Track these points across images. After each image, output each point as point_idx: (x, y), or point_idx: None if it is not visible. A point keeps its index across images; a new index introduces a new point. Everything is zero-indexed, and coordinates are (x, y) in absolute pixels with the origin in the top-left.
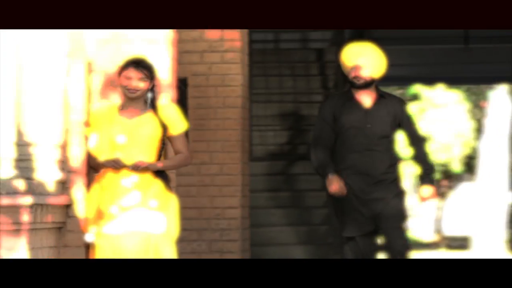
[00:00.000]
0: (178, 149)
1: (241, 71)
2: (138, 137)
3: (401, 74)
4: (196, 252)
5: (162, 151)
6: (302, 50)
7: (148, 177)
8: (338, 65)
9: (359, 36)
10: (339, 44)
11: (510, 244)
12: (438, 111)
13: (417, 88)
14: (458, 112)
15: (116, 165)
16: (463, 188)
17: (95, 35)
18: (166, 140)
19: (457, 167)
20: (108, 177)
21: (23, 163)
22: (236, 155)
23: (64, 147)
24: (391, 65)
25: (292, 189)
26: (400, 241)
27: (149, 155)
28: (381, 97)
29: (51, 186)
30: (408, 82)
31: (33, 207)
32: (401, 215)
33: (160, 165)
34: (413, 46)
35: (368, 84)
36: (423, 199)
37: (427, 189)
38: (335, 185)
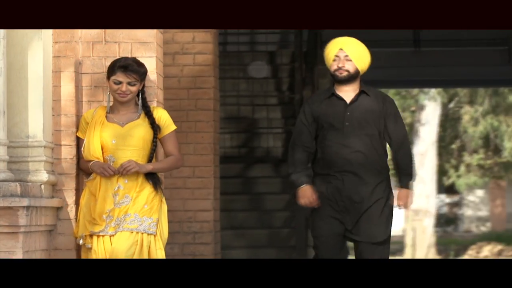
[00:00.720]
0: (169, 150)
1: (213, 73)
2: (130, 140)
3: None
4: (169, 255)
5: (154, 153)
6: (253, 53)
7: (139, 180)
8: (291, 68)
9: (313, 38)
10: (294, 47)
11: (437, 247)
12: None
13: None
14: None
15: (105, 172)
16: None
17: (84, 36)
18: (157, 142)
19: None
20: (98, 182)
21: (15, 165)
22: (208, 158)
23: (54, 149)
24: None
25: (251, 192)
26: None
27: (141, 157)
28: (362, 93)
29: (42, 188)
30: None
31: (29, 209)
32: (383, 225)
33: (150, 167)
34: None
35: (351, 78)
36: (399, 203)
37: (403, 193)
38: (305, 198)
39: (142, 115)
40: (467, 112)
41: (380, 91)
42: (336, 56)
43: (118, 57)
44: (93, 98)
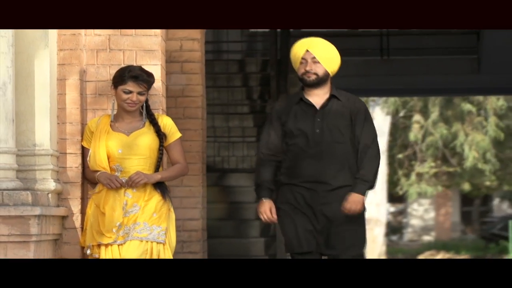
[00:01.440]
0: (175, 158)
1: (200, 82)
2: (136, 149)
3: None
4: None
5: (161, 161)
6: (223, 61)
7: (148, 188)
8: (262, 76)
9: (285, 46)
10: (269, 55)
11: (388, 255)
12: None
13: None
14: None
15: (111, 183)
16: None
17: (88, 44)
18: (163, 150)
19: None
20: (104, 195)
21: (22, 174)
22: (196, 166)
23: (59, 158)
24: None
25: (226, 201)
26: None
27: (148, 166)
28: (333, 97)
29: (49, 197)
30: None
31: (40, 218)
32: (355, 236)
33: (158, 176)
34: None
35: (320, 81)
36: (346, 208)
37: (353, 198)
38: (263, 213)
39: (147, 123)
40: (418, 121)
41: (352, 95)
42: (303, 58)
43: (123, 66)
44: (97, 106)
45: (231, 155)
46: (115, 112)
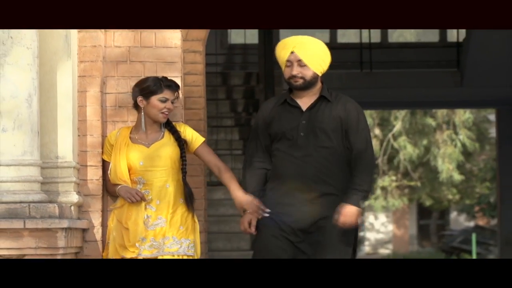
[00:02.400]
0: (212, 161)
1: (202, 94)
2: (157, 160)
3: None
4: None
5: (185, 170)
6: (207, 74)
7: (171, 200)
8: (245, 89)
9: (269, 58)
10: (258, 68)
11: None
12: None
13: None
14: None
15: (132, 197)
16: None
17: (108, 55)
18: (186, 159)
19: None
20: (125, 210)
21: (44, 186)
22: (199, 179)
23: (80, 170)
24: None
25: (216, 215)
26: None
27: (171, 177)
28: (322, 99)
29: (72, 210)
30: None
31: (67, 231)
32: (340, 244)
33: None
34: None
35: (308, 85)
36: (341, 221)
37: (348, 210)
38: (242, 223)
39: (166, 133)
40: (377, 136)
41: (344, 96)
42: (288, 61)
43: (143, 77)
44: (117, 118)
45: None
46: (137, 123)
